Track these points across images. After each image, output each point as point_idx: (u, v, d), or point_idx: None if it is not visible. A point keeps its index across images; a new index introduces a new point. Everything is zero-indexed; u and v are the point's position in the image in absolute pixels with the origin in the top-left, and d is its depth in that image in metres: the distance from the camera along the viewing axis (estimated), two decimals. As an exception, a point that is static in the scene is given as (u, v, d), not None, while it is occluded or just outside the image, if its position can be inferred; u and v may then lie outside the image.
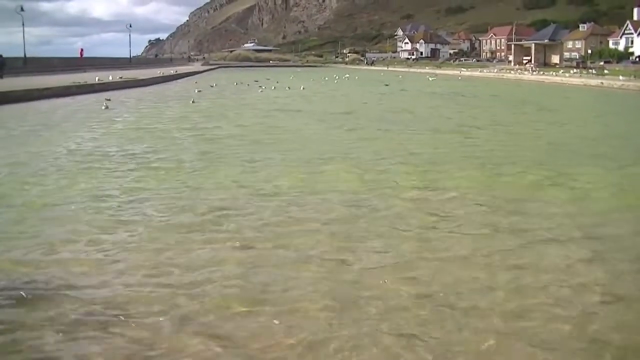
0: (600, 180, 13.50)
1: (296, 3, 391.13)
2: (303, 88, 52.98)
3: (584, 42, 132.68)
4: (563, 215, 10.45)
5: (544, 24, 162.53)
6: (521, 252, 8.49)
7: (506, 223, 9.92)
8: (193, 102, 37.12)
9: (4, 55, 53.66)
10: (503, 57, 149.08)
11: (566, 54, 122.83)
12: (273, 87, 55.08)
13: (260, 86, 55.61)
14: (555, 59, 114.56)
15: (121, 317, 6.31)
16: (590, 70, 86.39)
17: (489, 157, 16.42)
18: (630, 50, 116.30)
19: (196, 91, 46.54)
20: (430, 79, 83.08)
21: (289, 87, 54.23)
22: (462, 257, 8.25)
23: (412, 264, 7.97)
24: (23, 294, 6.86)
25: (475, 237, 9.20)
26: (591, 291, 7.10)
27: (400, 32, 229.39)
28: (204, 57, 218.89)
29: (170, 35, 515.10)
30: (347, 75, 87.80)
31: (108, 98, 36.44)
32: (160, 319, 6.27)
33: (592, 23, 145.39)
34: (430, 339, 5.86)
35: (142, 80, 58.26)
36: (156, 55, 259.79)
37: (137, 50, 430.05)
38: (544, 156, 16.85)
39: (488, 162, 15.59)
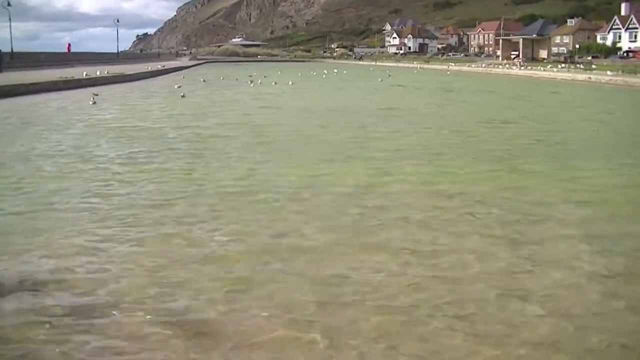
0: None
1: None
2: (291, 83, 52.89)
3: (571, 37, 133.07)
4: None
5: (532, 18, 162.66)
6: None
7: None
8: (183, 96, 36.96)
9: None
10: (491, 52, 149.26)
11: (554, 49, 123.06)
12: (260, 82, 55.03)
13: (251, 81, 55.53)
14: (543, 53, 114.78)
15: (114, 313, 6.31)
16: (578, 65, 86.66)
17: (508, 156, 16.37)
18: (618, 45, 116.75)
19: (176, 87, 45.55)
20: (415, 71, 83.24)
21: (275, 83, 53.86)
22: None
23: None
24: (15, 291, 6.85)
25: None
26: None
27: (388, 27, 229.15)
28: (190, 52, 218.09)
29: (158, 30, 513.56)
30: (336, 70, 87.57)
31: (95, 93, 36.29)
32: (157, 315, 6.24)
33: (580, 18, 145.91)
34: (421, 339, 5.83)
35: (130, 75, 58.12)
36: (141, 51, 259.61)
37: (125, 45, 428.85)
38: (553, 154, 16.82)
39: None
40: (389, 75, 72.40)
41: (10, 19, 72.49)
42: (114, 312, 6.32)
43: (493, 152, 16.78)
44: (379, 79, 63.41)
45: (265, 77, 63.43)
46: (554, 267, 7.71)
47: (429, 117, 26.54)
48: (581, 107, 33.20)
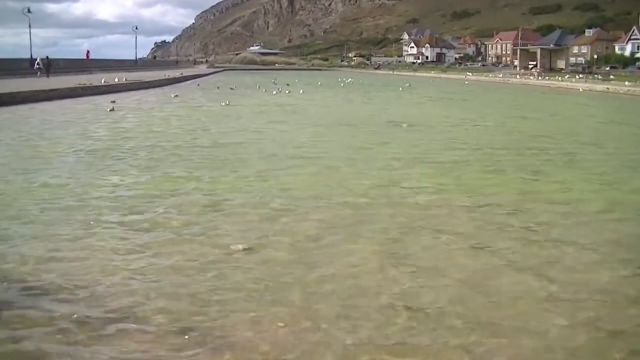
0: None
1: (302, 7, 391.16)
2: (301, 92, 52.49)
3: (589, 47, 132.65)
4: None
5: (549, 29, 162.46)
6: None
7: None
8: (227, 104, 36.71)
9: (11, 56, 55.42)
10: (509, 62, 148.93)
11: (572, 59, 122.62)
12: (280, 90, 54.32)
13: (278, 89, 55.32)
14: (561, 64, 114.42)
15: (124, 321, 6.33)
16: (596, 76, 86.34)
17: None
18: (637, 55, 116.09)
19: (173, 96, 44.49)
20: (432, 80, 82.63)
21: (302, 91, 53.01)
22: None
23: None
24: (25, 296, 6.92)
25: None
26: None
27: (406, 36, 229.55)
28: (207, 60, 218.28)
29: (176, 38, 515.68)
30: (351, 79, 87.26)
31: (113, 100, 36.22)
32: (165, 323, 6.26)
33: (598, 28, 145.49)
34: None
35: (148, 82, 58.25)
36: (154, 57, 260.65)
37: (143, 52, 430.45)
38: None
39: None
40: (409, 85, 71.77)
41: (30, 26, 73.32)
42: (128, 319, 6.39)
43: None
44: (400, 88, 63.47)
45: (288, 85, 63.87)
46: None
47: (471, 132, 24.77)
48: (624, 123, 30.56)
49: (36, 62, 59.39)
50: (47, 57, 61.16)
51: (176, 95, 44.77)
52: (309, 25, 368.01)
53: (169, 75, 73.57)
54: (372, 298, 6.99)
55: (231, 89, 56.81)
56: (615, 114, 35.87)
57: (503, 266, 8.12)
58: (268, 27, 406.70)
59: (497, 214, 10.86)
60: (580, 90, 64.85)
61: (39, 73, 56.42)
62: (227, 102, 37.43)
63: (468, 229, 9.85)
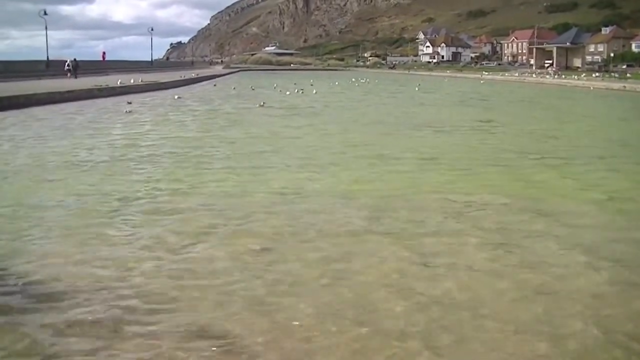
0: None
1: (317, 7, 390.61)
2: (314, 90, 52.35)
3: (606, 45, 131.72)
4: None
5: (565, 27, 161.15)
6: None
7: None
8: (263, 105, 36.64)
9: (26, 58, 56.08)
10: (524, 61, 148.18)
11: (588, 58, 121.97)
12: (301, 91, 54.04)
13: (300, 89, 55.31)
14: (577, 62, 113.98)
15: (130, 320, 6.39)
16: (612, 74, 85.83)
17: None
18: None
19: (176, 97, 43.89)
20: (446, 79, 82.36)
21: (315, 92, 53.22)
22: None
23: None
24: (43, 296, 7.00)
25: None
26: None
27: (421, 36, 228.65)
28: (222, 61, 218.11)
29: (192, 39, 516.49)
30: (367, 79, 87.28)
31: (130, 101, 36.36)
32: (185, 324, 6.30)
33: (615, 26, 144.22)
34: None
35: (164, 83, 58.41)
36: (167, 59, 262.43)
37: (159, 53, 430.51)
38: None
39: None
40: (419, 84, 71.57)
41: (46, 28, 73.84)
42: (134, 319, 6.47)
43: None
44: (415, 88, 63.81)
45: (312, 85, 64.47)
46: None
47: (493, 135, 24.42)
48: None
49: (66, 64, 62.01)
50: (75, 59, 63.90)
51: (179, 98, 43.80)
52: (325, 26, 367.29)
53: (184, 76, 73.63)
54: (393, 296, 7.04)
55: (252, 89, 56.80)
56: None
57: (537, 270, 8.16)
58: (283, 27, 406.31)
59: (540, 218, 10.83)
60: (591, 88, 64.57)
61: (68, 74, 59.34)
62: (262, 104, 37.40)
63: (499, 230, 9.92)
